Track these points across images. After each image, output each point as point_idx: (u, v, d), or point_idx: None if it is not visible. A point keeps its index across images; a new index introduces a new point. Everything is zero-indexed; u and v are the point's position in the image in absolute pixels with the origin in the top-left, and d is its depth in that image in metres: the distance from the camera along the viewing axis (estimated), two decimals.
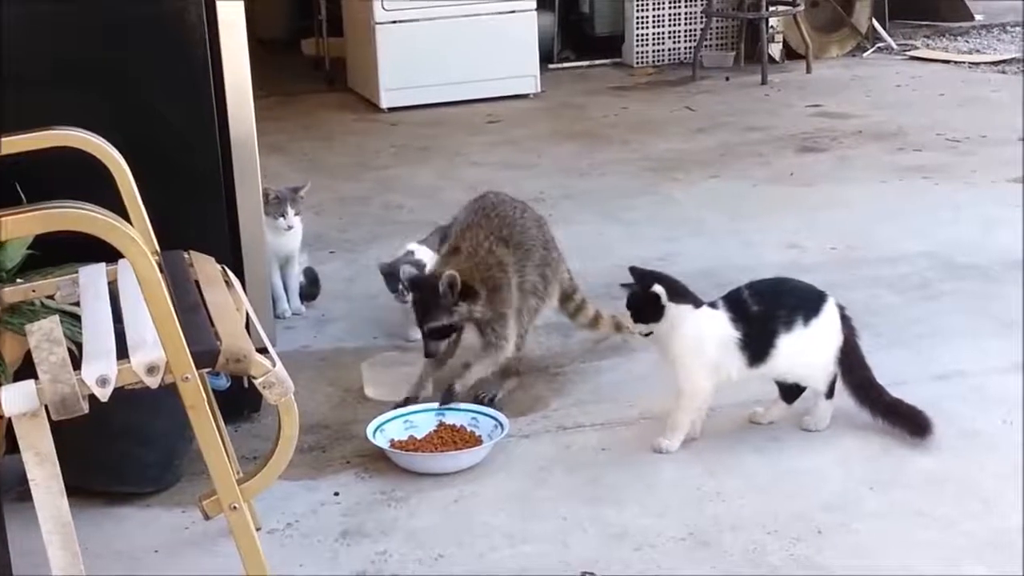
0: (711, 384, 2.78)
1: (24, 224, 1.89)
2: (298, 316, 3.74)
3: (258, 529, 2.33)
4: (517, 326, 3.08)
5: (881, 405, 2.80)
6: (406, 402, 3.00)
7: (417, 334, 3.39)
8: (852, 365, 2.81)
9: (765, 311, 2.76)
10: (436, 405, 2.96)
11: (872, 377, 2.82)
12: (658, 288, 2.73)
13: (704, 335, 2.75)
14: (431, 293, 2.96)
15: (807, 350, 2.78)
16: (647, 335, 2.79)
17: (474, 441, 2.84)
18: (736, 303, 2.78)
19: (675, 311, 2.74)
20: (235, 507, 1.99)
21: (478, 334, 3.05)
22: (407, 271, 3.31)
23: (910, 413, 2.78)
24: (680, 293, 2.78)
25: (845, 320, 2.82)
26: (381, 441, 2.82)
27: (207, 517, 2.13)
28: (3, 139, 2.24)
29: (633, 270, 2.81)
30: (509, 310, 3.03)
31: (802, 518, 2.51)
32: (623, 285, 2.82)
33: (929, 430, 2.75)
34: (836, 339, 2.79)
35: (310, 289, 3.84)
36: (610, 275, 2.89)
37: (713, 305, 2.79)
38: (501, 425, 2.86)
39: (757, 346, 2.75)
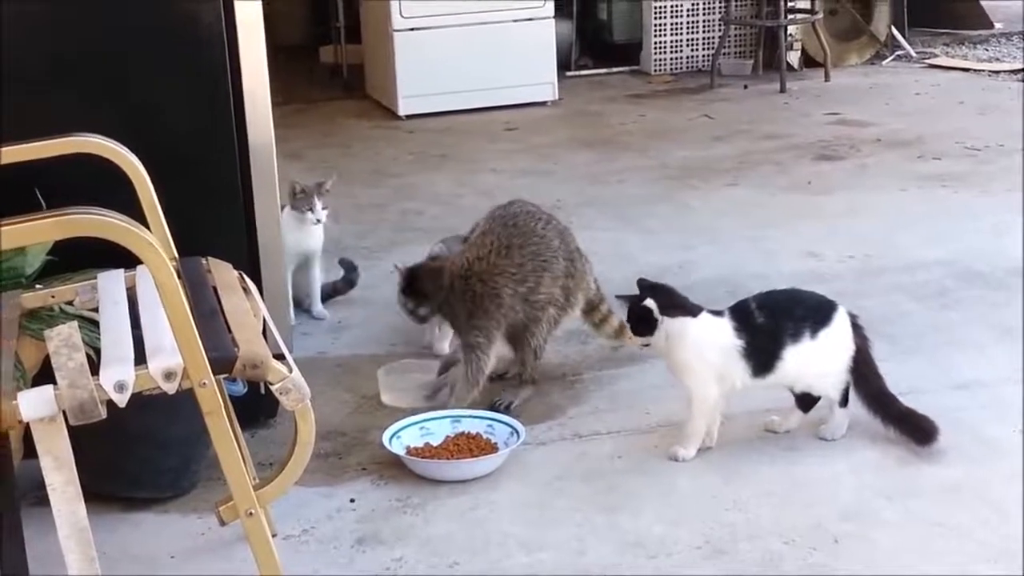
0: (718, 390, 2.77)
1: (43, 230, 1.89)
2: (316, 321, 3.73)
3: (274, 535, 2.33)
4: (536, 338, 3.10)
5: (893, 415, 2.79)
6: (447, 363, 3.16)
7: (435, 343, 3.44)
8: (864, 374, 2.80)
9: (771, 321, 2.76)
10: (451, 413, 2.96)
11: (884, 386, 2.81)
12: (649, 303, 2.74)
13: (704, 342, 2.75)
14: (406, 279, 3.11)
15: (815, 360, 2.77)
16: (645, 347, 2.82)
17: (490, 448, 2.83)
18: (742, 313, 2.78)
19: (670, 324, 2.74)
20: (251, 513, 2.00)
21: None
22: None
23: (920, 422, 2.77)
24: (677, 305, 2.77)
25: (857, 329, 2.81)
26: (397, 448, 2.82)
27: (223, 523, 2.14)
28: (24, 146, 2.25)
29: (640, 282, 2.82)
30: (490, 321, 3.03)
31: (818, 527, 2.50)
32: (619, 297, 2.84)
33: (934, 437, 2.75)
34: (848, 349, 2.79)
35: (349, 276, 3.90)
36: (629, 283, 2.88)
37: (718, 313, 2.79)
38: (517, 432, 2.86)
39: (762, 356, 2.75)
